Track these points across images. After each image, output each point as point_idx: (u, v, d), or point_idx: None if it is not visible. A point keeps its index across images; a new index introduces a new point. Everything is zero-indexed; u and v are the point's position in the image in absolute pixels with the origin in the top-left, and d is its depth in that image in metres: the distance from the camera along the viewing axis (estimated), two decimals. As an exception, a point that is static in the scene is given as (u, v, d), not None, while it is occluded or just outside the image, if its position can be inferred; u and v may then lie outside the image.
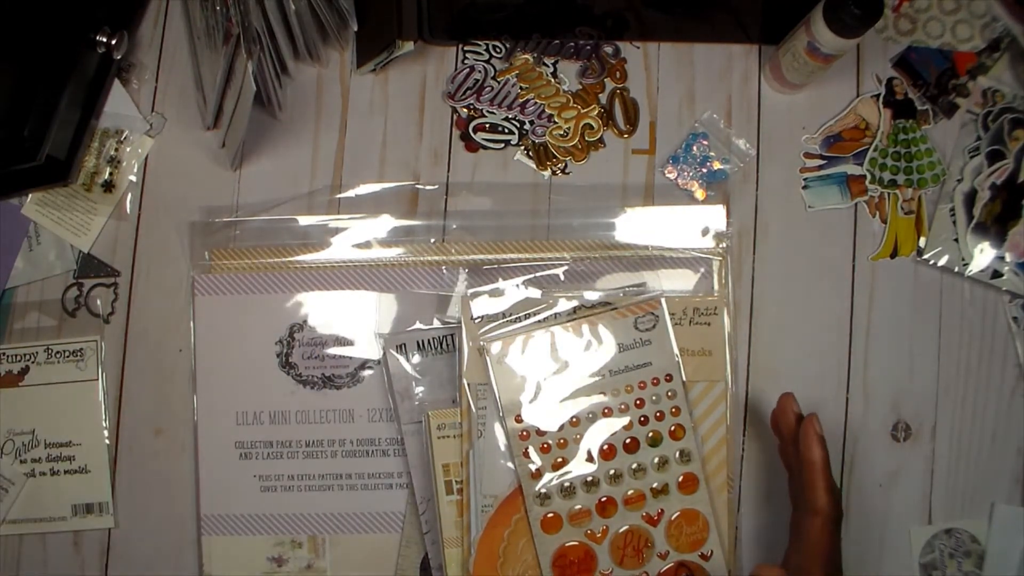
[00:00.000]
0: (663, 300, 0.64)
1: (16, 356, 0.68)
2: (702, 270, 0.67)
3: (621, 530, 0.62)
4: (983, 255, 0.68)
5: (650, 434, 0.63)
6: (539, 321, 0.64)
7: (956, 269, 0.68)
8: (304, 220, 0.69)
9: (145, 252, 0.69)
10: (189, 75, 0.71)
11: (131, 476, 0.67)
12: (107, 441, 0.68)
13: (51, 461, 0.68)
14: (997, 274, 0.68)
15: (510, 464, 0.62)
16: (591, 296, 0.65)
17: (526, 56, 0.71)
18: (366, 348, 0.67)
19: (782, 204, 0.69)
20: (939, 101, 0.70)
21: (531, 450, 0.62)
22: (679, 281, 0.67)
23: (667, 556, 0.62)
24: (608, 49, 0.71)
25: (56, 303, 0.69)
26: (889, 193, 0.69)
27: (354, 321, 0.67)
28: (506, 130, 0.70)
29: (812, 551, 0.54)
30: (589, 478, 0.62)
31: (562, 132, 0.70)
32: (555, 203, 0.69)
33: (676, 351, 0.64)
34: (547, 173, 0.70)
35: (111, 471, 0.67)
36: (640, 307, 0.64)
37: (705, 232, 0.68)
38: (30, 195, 0.69)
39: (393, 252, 0.68)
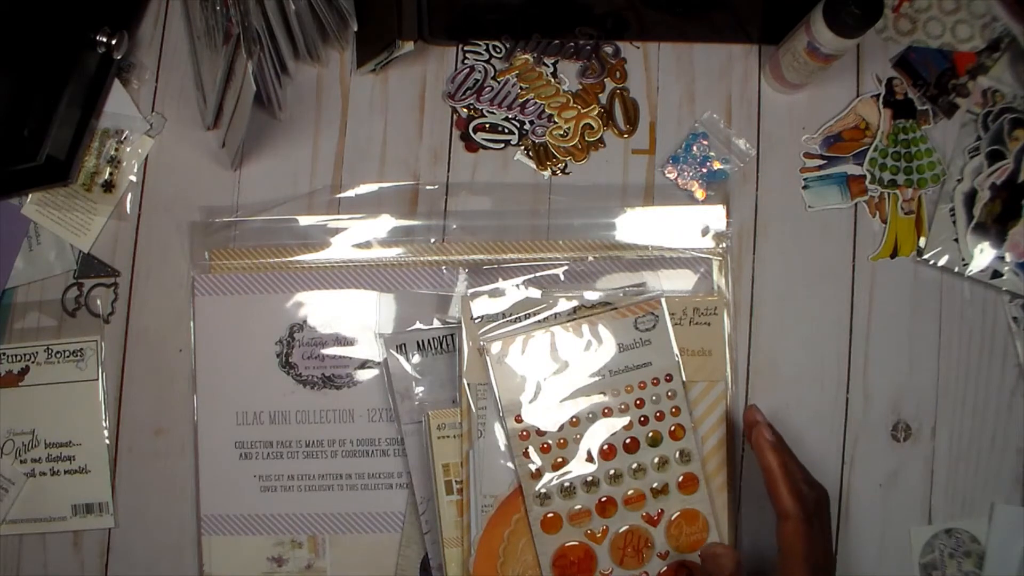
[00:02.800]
0: (663, 300, 0.64)
1: (16, 356, 0.68)
2: (702, 270, 0.67)
3: (621, 530, 0.62)
4: (983, 255, 0.68)
5: (650, 434, 0.63)
6: (539, 321, 0.64)
7: (956, 269, 0.68)
8: (304, 220, 0.68)
9: (145, 252, 0.69)
10: (189, 75, 0.71)
11: (131, 476, 0.68)
12: (107, 441, 0.68)
13: (51, 461, 0.68)
14: (997, 274, 0.68)
15: (510, 464, 0.62)
16: (591, 296, 0.65)
17: (526, 56, 0.71)
18: (366, 348, 0.67)
19: (782, 204, 0.69)
20: (939, 101, 0.70)
21: (531, 450, 0.62)
22: (679, 281, 0.67)
23: (667, 556, 0.62)
24: (608, 49, 0.71)
25: (56, 303, 0.69)
26: (889, 193, 0.69)
27: (354, 321, 0.67)
28: (506, 130, 0.70)
29: (791, 555, 0.54)
30: (589, 478, 0.62)
31: (562, 132, 0.70)
32: (555, 203, 0.69)
33: (676, 351, 0.64)
34: (547, 173, 0.70)
35: (111, 471, 0.67)
36: (640, 307, 0.64)
37: (705, 232, 0.68)
38: (30, 195, 0.69)
39: (393, 252, 0.68)
